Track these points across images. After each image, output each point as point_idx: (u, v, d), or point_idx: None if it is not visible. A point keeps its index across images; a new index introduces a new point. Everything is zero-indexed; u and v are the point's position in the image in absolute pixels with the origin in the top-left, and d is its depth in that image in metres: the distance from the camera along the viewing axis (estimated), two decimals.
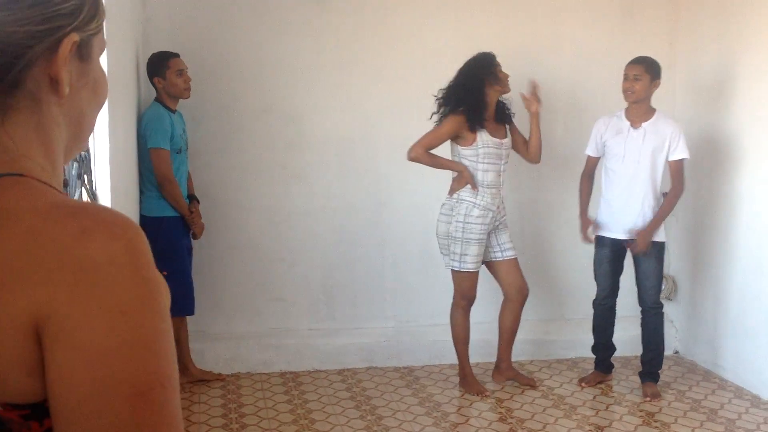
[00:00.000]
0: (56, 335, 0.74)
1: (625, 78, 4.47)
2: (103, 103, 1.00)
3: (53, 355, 0.74)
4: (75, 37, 0.86)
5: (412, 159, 4.49)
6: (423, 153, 4.44)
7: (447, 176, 5.22)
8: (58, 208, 0.80)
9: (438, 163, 4.54)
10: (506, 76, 4.50)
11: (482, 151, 4.44)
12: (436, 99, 4.55)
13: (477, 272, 4.55)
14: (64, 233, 0.76)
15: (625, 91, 4.47)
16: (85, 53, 0.90)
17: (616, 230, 4.55)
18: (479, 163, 4.46)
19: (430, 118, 4.57)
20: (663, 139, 4.41)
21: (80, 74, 0.91)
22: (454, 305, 4.63)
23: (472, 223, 4.44)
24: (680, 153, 4.40)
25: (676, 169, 4.43)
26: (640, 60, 4.46)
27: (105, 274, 0.75)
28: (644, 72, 4.42)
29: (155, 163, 4.28)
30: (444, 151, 4.62)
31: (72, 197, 2.45)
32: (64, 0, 0.85)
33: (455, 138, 4.48)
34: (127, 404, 0.73)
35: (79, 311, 0.74)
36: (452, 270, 4.57)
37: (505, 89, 4.51)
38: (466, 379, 4.60)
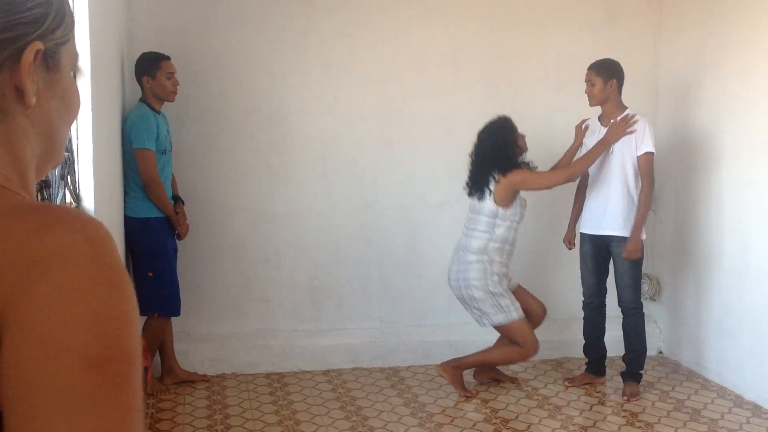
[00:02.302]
0: (7, 325, 0.71)
1: (586, 83, 4.59)
2: (76, 114, 0.98)
3: (3, 344, 0.71)
4: (39, 45, 0.85)
5: (577, 174, 4.54)
6: (574, 165, 4.51)
7: (434, 176, 5.24)
8: (19, 208, 0.79)
9: (592, 157, 4.50)
10: (523, 138, 4.57)
11: (519, 210, 4.53)
12: (471, 172, 4.59)
13: None
14: (22, 230, 0.75)
15: (588, 96, 4.60)
16: (52, 63, 0.89)
17: (591, 227, 4.62)
18: (515, 223, 4.52)
19: (465, 186, 4.62)
20: (629, 136, 4.45)
21: (48, 84, 0.89)
22: (522, 357, 4.57)
23: (505, 280, 4.55)
24: (643, 147, 4.43)
25: (643, 164, 4.44)
26: (592, 65, 4.57)
27: (59, 260, 0.73)
28: (595, 76, 4.52)
29: (140, 164, 4.27)
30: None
31: (54, 199, 2.44)
32: (26, 9, 0.84)
33: (501, 200, 4.47)
34: (80, 375, 0.70)
35: (28, 295, 0.71)
36: (506, 324, 4.50)
37: (525, 150, 4.57)
38: (460, 378, 4.60)
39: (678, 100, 5.21)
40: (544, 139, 5.28)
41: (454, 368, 4.58)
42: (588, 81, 4.55)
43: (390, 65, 5.13)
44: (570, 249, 4.85)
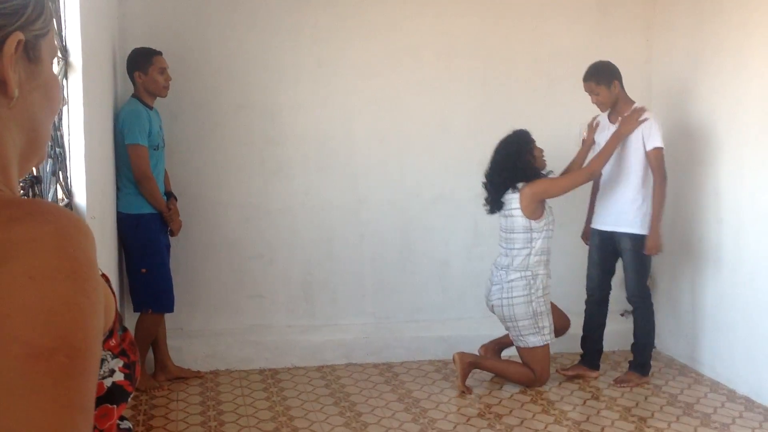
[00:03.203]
0: None
1: (589, 94, 4.62)
2: (57, 108, 0.97)
3: None
4: (20, 35, 0.84)
5: (597, 172, 4.54)
6: (593, 164, 4.50)
7: (428, 172, 5.24)
8: None
9: (608, 153, 4.50)
10: (541, 151, 4.59)
11: (550, 218, 4.55)
12: (486, 184, 4.60)
13: None
14: None
15: (597, 105, 4.64)
16: (33, 55, 0.88)
17: (600, 222, 4.69)
18: (547, 231, 4.53)
19: (485, 204, 4.63)
20: (636, 132, 4.49)
21: (30, 76, 0.88)
22: (531, 383, 4.59)
23: (548, 294, 4.57)
24: (652, 143, 4.47)
25: (653, 159, 4.49)
26: (588, 76, 4.59)
27: (21, 249, 0.72)
28: (595, 85, 4.56)
29: (133, 160, 4.25)
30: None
31: (45, 195, 2.43)
32: (5, 0, 0.84)
33: (531, 212, 4.49)
34: (20, 364, 0.68)
35: None
36: (531, 348, 4.52)
37: (543, 165, 4.58)
38: (468, 372, 4.61)
39: (671, 95, 5.21)
40: (537, 133, 5.28)
41: (470, 363, 4.58)
42: (591, 92, 4.58)
43: (383, 60, 5.12)
44: (587, 245, 4.92)
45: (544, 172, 4.58)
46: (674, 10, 5.20)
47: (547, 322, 4.52)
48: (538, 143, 5.21)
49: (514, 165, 4.48)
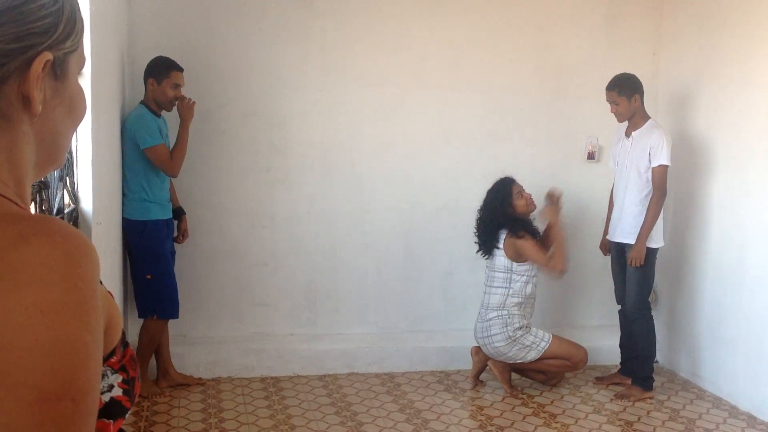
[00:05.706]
0: None
1: (610, 103, 4.67)
2: (81, 119, 0.97)
3: None
4: (48, 56, 0.84)
5: (561, 270, 4.59)
6: (554, 262, 4.53)
7: (433, 182, 5.24)
8: (5, 216, 0.79)
9: (562, 247, 4.61)
10: (526, 197, 4.68)
11: (534, 266, 4.63)
12: (477, 233, 4.74)
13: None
14: (1, 239, 0.74)
15: (615, 115, 4.69)
16: (59, 72, 0.88)
17: (612, 234, 4.81)
18: (532, 277, 4.63)
19: (478, 251, 4.75)
20: (645, 147, 4.56)
21: (55, 93, 0.89)
22: (573, 368, 4.73)
23: (519, 327, 4.61)
24: (657, 160, 4.53)
25: (656, 175, 4.56)
26: (612, 85, 4.64)
27: (32, 274, 0.72)
28: (617, 95, 4.62)
29: (156, 162, 4.28)
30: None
31: (53, 200, 2.44)
32: (37, 18, 0.83)
33: (513, 257, 4.60)
34: (27, 410, 0.68)
35: None
36: (543, 354, 4.61)
37: (531, 208, 4.70)
38: (509, 375, 4.76)
39: (677, 108, 5.22)
40: (542, 145, 5.31)
41: (503, 365, 4.70)
42: (612, 102, 4.64)
43: (389, 70, 5.13)
44: (605, 255, 5.03)
45: (530, 218, 4.71)
46: (681, 24, 5.21)
47: (531, 337, 4.60)
48: (542, 156, 5.24)
49: (500, 214, 4.63)
